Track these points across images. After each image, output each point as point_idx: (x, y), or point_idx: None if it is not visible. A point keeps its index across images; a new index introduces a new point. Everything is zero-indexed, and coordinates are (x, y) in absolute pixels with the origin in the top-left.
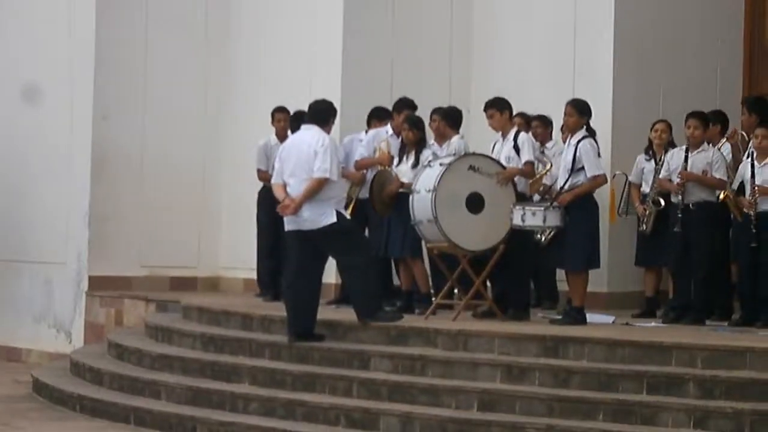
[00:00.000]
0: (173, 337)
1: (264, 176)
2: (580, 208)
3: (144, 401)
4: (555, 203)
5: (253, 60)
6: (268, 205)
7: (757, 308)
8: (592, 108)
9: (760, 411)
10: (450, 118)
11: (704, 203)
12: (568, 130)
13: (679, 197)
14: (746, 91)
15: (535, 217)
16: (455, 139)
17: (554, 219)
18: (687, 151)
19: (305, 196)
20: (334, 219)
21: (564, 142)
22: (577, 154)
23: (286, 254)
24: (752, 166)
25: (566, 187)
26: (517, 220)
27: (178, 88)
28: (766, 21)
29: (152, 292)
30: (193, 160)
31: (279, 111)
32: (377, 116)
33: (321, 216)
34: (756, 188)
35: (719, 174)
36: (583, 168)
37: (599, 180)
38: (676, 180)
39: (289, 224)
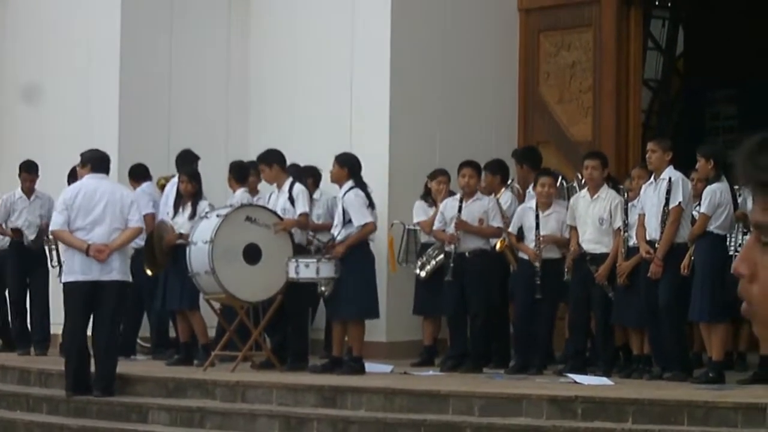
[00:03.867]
0: None
1: (1, 231)
2: (352, 258)
3: None
4: (328, 255)
5: (34, 112)
6: (16, 259)
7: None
8: (363, 158)
9: None
10: (235, 172)
11: (480, 251)
12: (336, 183)
13: (452, 247)
14: (522, 141)
15: (308, 269)
16: (239, 192)
17: (328, 270)
18: (461, 200)
19: (122, 244)
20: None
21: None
22: (344, 206)
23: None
24: (537, 216)
25: (339, 238)
26: (291, 273)
27: None
28: (539, 71)
29: None
30: None
31: (26, 170)
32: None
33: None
34: (541, 238)
35: (495, 223)
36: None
37: (368, 228)
38: (451, 229)
39: (82, 274)
